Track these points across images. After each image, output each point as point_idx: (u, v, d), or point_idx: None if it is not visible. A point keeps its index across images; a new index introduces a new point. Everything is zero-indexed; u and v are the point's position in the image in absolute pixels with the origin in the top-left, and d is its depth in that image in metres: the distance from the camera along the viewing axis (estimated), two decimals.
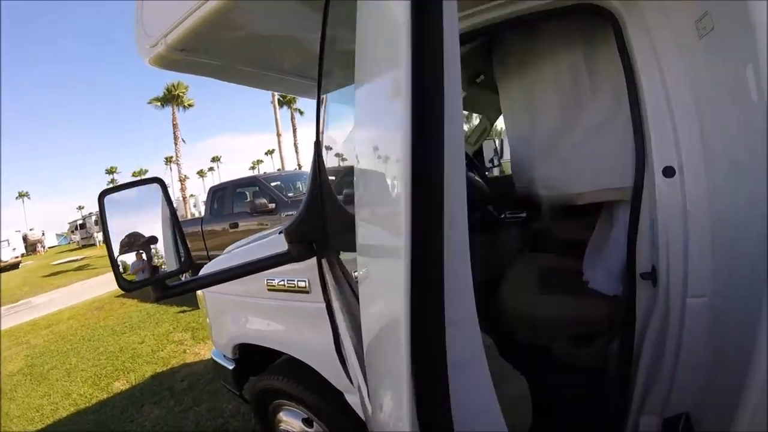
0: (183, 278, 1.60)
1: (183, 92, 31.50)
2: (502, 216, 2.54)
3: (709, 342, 1.27)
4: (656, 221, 1.31)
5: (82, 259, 24.86)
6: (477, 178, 2.56)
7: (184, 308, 6.91)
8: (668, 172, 1.27)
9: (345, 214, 1.31)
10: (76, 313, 8.88)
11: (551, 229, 2.48)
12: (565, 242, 2.35)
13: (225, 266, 1.42)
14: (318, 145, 1.46)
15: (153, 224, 1.25)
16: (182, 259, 1.27)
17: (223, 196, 8.14)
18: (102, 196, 1.21)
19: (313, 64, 2.32)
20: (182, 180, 31.46)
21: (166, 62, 1.72)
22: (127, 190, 1.25)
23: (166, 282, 1.21)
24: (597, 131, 1.68)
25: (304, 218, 1.39)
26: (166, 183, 1.30)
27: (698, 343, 1.29)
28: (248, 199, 7.76)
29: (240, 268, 1.46)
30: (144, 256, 1.19)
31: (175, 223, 1.26)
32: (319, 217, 1.36)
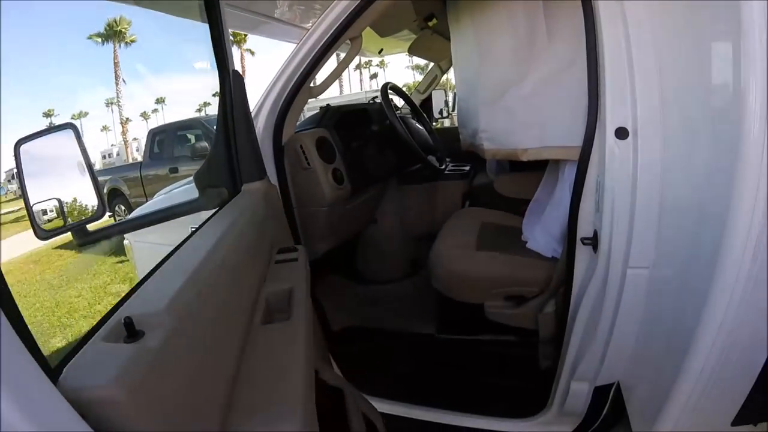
0: None
1: (125, 28, 29.40)
2: (444, 167, 2.42)
3: (646, 314, 1.22)
4: (603, 185, 1.22)
5: (18, 209, 23.23)
6: (419, 126, 2.42)
7: (123, 258, 6.56)
8: (621, 133, 1.17)
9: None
10: (12, 268, 8.18)
11: (494, 184, 2.40)
12: (507, 199, 2.28)
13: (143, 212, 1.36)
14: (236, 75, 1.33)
15: (69, 171, 1.20)
16: (97, 206, 1.20)
17: (163, 140, 7.71)
18: (18, 145, 1.13)
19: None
20: (123, 123, 29.82)
21: None
22: (43, 138, 1.18)
23: (86, 228, 1.16)
24: (548, 84, 1.56)
25: (212, 161, 1.33)
26: (79, 129, 1.20)
27: (634, 314, 1.24)
28: (190, 143, 7.42)
29: (153, 215, 1.49)
30: (57, 204, 1.14)
31: (89, 170, 1.18)
32: (228, 160, 1.31)
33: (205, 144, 6.69)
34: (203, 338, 0.66)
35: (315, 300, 1.76)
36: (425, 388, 1.86)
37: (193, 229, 1.02)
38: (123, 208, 8.03)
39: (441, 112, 3.71)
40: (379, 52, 3.40)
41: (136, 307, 0.61)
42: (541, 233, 1.75)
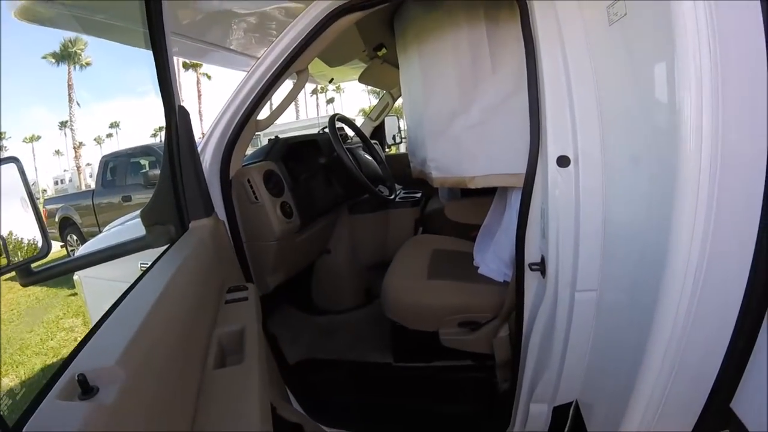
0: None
1: (81, 49, 28.67)
2: (394, 196, 2.43)
3: (597, 334, 1.24)
4: (547, 211, 1.25)
5: None
6: (367, 156, 2.43)
7: (75, 291, 6.26)
8: (563, 161, 1.20)
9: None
10: None
11: (444, 210, 2.43)
12: (458, 224, 2.31)
13: (90, 250, 1.39)
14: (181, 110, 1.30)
15: (12, 206, 1.17)
16: (41, 243, 1.16)
17: (115, 167, 7.45)
18: None
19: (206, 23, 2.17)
20: (76, 147, 28.92)
21: (33, 15, 1.58)
22: None
23: (30, 267, 1.14)
24: (493, 113, 1.60)
25: (158, 198, 1.29)
26: (21, 162, 1.18)
27: (585, 335, 1.26)
28: (143, 170, 7.16)
29: (99, 253, 1.39)
30: None
31: (33, 205, 1.16)
32: (175, 197, 1.28)
33: (158, 172, 6.37)
34: (157, 389, 0.64)
35: (269, 334, 1.72)
36: (385, 418, 1.83)
37: (143, 268, 0.99)
38: (75, 237, 7.72)
39: (394, 138, 3.77)
40: (330, 81, 3.42)
41: (88, 361, 0.59)
42: (492, 258, 1.77)
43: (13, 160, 1.17)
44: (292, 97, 1.71)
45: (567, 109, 1.20)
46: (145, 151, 7.74)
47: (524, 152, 1.40)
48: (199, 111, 35.26)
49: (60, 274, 1.33)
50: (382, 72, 2.99)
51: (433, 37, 1.72)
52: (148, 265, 1.54)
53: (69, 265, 1.42)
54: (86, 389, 0.52)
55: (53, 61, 29.01)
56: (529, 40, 1.27)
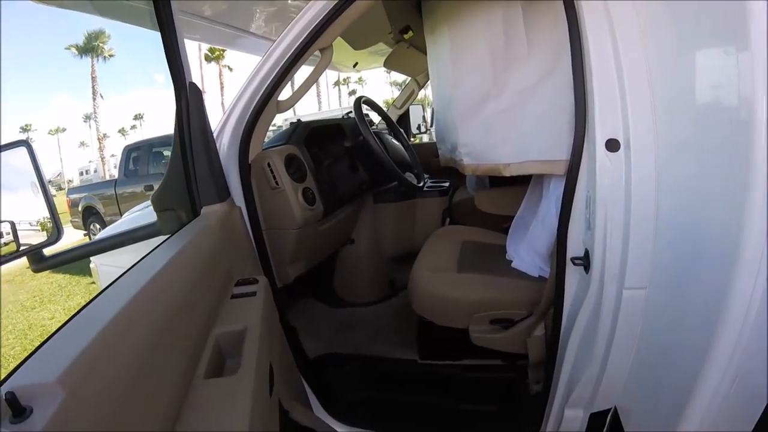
0: None
1: (104, 42, 29.17)
2: (422, 184, 2.30)
3: (644, 336, 1.13)
4: (593, 200, 1.13)
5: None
6: (395, 141, 2.31)
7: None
8: (612, 145, 1.09)
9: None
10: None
11: (474, 200, 2.32)
12: (488, 215, 2.20)
13: (104, 236, 1.30)
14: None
15: (23, 191, 1.17)
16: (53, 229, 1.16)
17: (138, 157, 7.59)
18: None
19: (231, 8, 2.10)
20: (100, 139, 29.58)
21: None
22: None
23: (42, 252, 1.14)
24: (528, 95, 1.49)
25: (168, 182, 1.24)
26: (33, 147, 1.18)
27: (631, 337, 1.14)
28: (165, 159, 7.24)
29: (111, 239, 1.44)
30: (8, 227, 1.10)
31: (43, 190, 1.16)
32: (186, 181, 1.23)
33: None
34: (113, 409, 0.53)
35: (289, 327, 1.65)
36: (409, 416, 1.75)
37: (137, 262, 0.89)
38: (98, 226, 7.85)
39: (419, 127, 3.66)
40: (354, 66, 3.30)
41: (28, 375, 0.49)
42: (527, 252, 1.66)
43: (24, 144, 1.15)
44: (316, 76, 1.61)
45: (616, 89, 1.08)
46: (167, 141, 7.72)
47: (563, 137, 1.33)
48: (222, 102, 35.93)
49: (71, 260, 1.35)
50: (408, 57, 2.87)
51: (464, 16, 1.61)
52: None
53: (79, 251, 1.37)
54: (17, 410, 0.43)
55: (76, 53, 29.55)
56: (572, 16, 1.16)
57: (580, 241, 1.24)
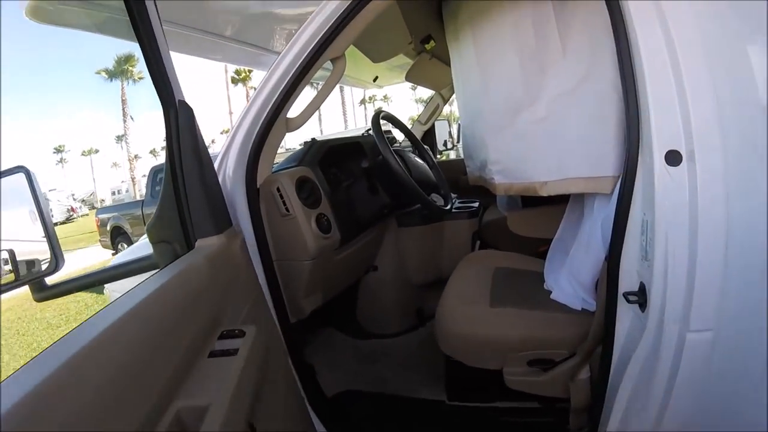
0: None
1: (133, 65, 30.17)
2: (449, 206, 2.09)
3: (709, 384, 0.97)
4: (651, 225, 0.95)
5: None
6: (418, 160, 2.09)
7: None
8: (673, 158, 0.91)
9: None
10: (13, 305, 7.95)
11: (507, 222, 2.13)
12: (522, 239, 2.01)
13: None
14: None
15: (21, 219, 1.11)
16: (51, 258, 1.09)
17: (163, 178, 7.53)
18: None
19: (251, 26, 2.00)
20: (131, 160, 30.46)
21: (44, 14, 1.46)
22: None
23: (44, 281, 1.08)
24: (565, 103, 1.33)
25: (162, 212, 1.12)
26: (32, 172, 1.12)
27: (695, 385, 0.97)
28: None
29: (109, 271, 1.38)
30: (7, 255, 1.06)
31: (42, 218, 1.10)
32: (179, 211, 1.09)
33: None
34: None
35: (306, 365, 1.51)
36: None
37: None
38: (126, 245, 7.93)
39: (445, 143, 3.50)
40: (374, 81, 3.14)
41: None
42: (568, 281, 1.47)
43: (22, 169, 1.09)
44: (327, 90, 1.48)
45: (674, 92, 0.91)
46: None
47: (609, 149, 1.19)
48: None
49: (73, 291, 1.27)
50: (430, 68, 2.71)
51: (489, 16, 1.47)
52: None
53: (81, 282, 1.27)
54: None
55: (106, 76, 30.60)
56: (616, 11, 1.01)
57: (634, 272, 1.05)
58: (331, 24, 1.24)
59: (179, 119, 1.07)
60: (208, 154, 1.19)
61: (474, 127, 1.76)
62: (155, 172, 7.81)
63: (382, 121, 1.88)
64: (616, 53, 1.02)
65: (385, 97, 42.86)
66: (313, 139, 1.80)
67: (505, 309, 1.44)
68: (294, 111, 1.42)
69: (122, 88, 30.16)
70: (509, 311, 1.43)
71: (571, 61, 1.30)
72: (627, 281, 1.07)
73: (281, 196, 1.43)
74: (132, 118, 31.09)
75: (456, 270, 1.78)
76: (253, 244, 1.37)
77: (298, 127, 1.45)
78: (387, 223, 2.16)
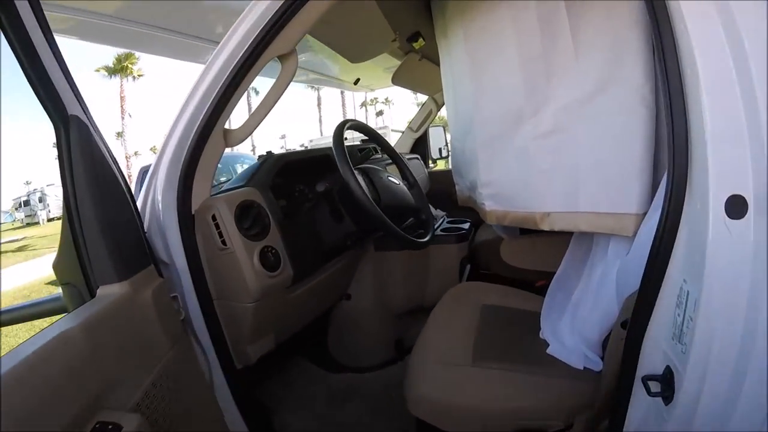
0: None
1: (132, 63, 30.09)
2: (428, 237, 1.62)
3: None
4: (695, 299, 0.67)
5: (22, 239, 23.44)
6: (391, 180, 1.67)
7: None
8: (736, 207, 0.63)
9: None
10: (3, 302, 7.84)
11: (500, 250, 1.84)
12: (518, 272, 1.73)
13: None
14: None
15: None
16: None
17: None
18: None
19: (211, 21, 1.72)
20: (128, 157, 30.49)
21: None
22: None
23: None
24: (579, 113, 1.06)
25: (62, 250, 0.94)
26: None
27: None
28: None
29: (13, 311, 1.25)
30: None
31: None
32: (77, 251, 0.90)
33: None
34: None
35: (257, 403, 1.41)
36: None
37: None
38: None
39: (440, 151, 3.21)
40: (355, 83, 2.83)
41: None
42: (569, 333, 1.20)
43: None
44: (274, 96, 1.19)
45: (742, 111, 0.63)
46: None
47: (632, 177, 0.96)
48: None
49: None
50: (420, 70, 2.41)
51: (484, 10, 1.21)
52: None
53: None
54: None
55: (106, 74, 30.66)
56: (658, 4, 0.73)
57: (660, 351, 0.77)
58: (273, 15, 0.97)
59: (72, 138, 0.84)
60: (116, 178, 0.95)
61: (464, 139, 1.49)
62: (144, 172, 7.55)
63: (351, 134, 1.59)
64: (656, 57, 0.76)
65: (387, 100, 42.63)
66: (269, 153, 1.50)
67: (491, 369, 1.15)
68: (236, 122, 1.15)
69: (121, 84, 30.05)
70: (495, 373, 1.14)
71: (585, 63, 1.03)
72: (649, 361, 0.80)
73: (217, 226, 1.15)
74: (130, 115, 31.08)
75: (437, 308, 1.50)
76: (188, 281, 1.14)
77: (240, 141, 1.18)
78: (363, 247, 1.87)
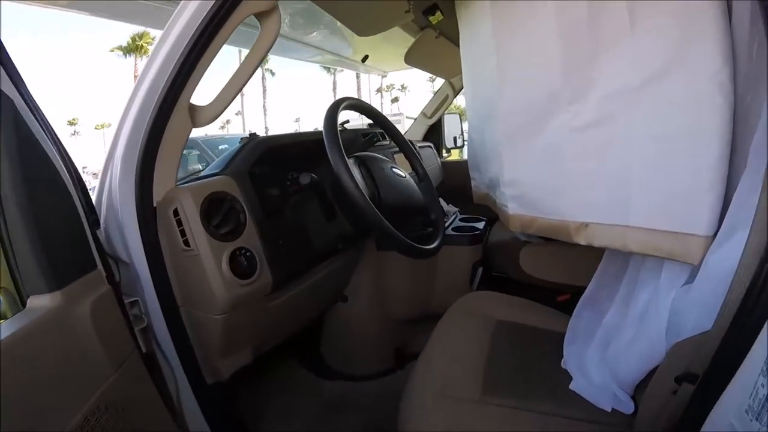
0: None
1: (148, 42, 30.35)
2: (436, 244, 1.34)
3: None
4: None
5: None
6: (397, 172, 1.36)
7: None
8: None
9: None
10: None
11: (520, 260, 1.62)
12: (537, 279, 1.51)
13: None
14: None
15: None
16: None
17: None
18: None
19: None
20: None
21: None
22: None
23: None
24: (630, 102, 0.85)
25: None
26: None
27: None
28: (187, 163, 6.90)
29: None
30: None
31: None
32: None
33: (198, 166, 6.09)
34: None
35: (234, 415, 1.27)
36: None
37: None
38: None
39: (455, 140, 2.97)
40: (363, 61, 2.52)
41: None
42: (597, 368, 0.99)
43: None
44: (250, 63, 0.97)
45: None
46: (189, 144, 7.32)
47: (701, 190, 0.74)
48: (264, 106, 38.29)
49: None
50: (436, 49, 2.14)
51: None
52: None
53: None
54: None
55: (121, 53, 31.13)
56: None
57: (725, 421, 0.57)
58: None
59: None
60: (52, 166, 0.78)
61: (484, 129, 1.28)
62: None
63: (352, 115, 1.35)
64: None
65: (403, 87, 42.26)
66: (252, 135, 1.26)
67: (501, 407, 0.94)
68: (201, 96, 0.94)
69: (135, 64, 30.41)
70: (506, 412, 0.94)
71: (643, 40, 0.82)
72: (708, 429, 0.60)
73: (179, 223, 0.95)
74: None
75: (443, 322, 1.29)
76: (150, 285, 0.97)
77: (211, 120, 0.97)
78: (360, 248, 1.66)
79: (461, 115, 3.14)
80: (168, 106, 0.87)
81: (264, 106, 37.57)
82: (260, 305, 1.13)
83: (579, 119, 0.91)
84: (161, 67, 0.85)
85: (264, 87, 37.58)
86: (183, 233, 0.95)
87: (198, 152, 6.98)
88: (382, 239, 1.21)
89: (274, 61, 37.16)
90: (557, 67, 0.92)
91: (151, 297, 0.98)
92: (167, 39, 0.85)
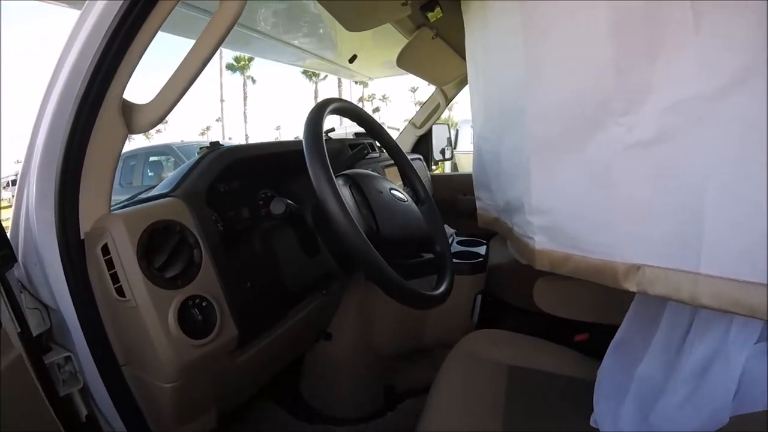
0: None
1: None
2: (444, 288, 1.02)
3: None
4: None
5: (6, 219, 23.40)
6: (398, 194, 1.07)
7: None
8: None
9: None
10: None
11: (534, 295, 1.43)
12: (554, 321, 1.32)
13: None
14: None
15: None
16: None
17: (134, 165, 7.22)
18: None
19: None
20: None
21: None
22: None
23: None
24: (699, 115, 0.65)
25: None
26: None
27: None
28: (162, 171, 7.00)
29: None
30: None
31: None
32: None
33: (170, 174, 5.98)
34: None
35: None
36: None
37: None
38: None
39: (443, 152, 2.78)
40: (351, 61, 2.28)
41: None
42: (635, 424, 0.83)
43: None
44: (204, 48, 0.72)
45: None
46: (164, 150, 7.42)
47: None
48: (244, 113, 38.45)
49: None
50: (432, 52, 1.92)
51: None
52: None
53: None
54: None
55: None
56: None
57: None
58: None
59: None
60: None
61: (502, 140, 1.08)
62: (124, 159, 7.37)
63: (340, 121, 1.14)
64: None
65: (384, 97, 42.43)
66: (215, 144, 1.01)
67: None
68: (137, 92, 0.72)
69: None
70: None
71: (712, 41, 0.63)
72: None
73: (110, 264, 0.71)
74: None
75: (444, 372, 1.09)
76: (81, 338, 0.76)
77: (154, 123, 0.74)
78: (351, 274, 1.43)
79: (449, 126, 2.96)
80: (92, 104, 0.65)
81: (245, 113, 37.59)
82: (223, 364, 0.90)
83: (635, 134, 0.71)
84: (79, 58, 0.63)
85: (245, 94, 37.68)
86: (115, 278, 0.71)
87: (174, 159, 6.84)
88: (379, 286, 0.92)
89: (255, 68, 37.49)
90: (608, 67, 0.73)
91: (84, 352, 0.77)
92: (86, 20, 0.63)
